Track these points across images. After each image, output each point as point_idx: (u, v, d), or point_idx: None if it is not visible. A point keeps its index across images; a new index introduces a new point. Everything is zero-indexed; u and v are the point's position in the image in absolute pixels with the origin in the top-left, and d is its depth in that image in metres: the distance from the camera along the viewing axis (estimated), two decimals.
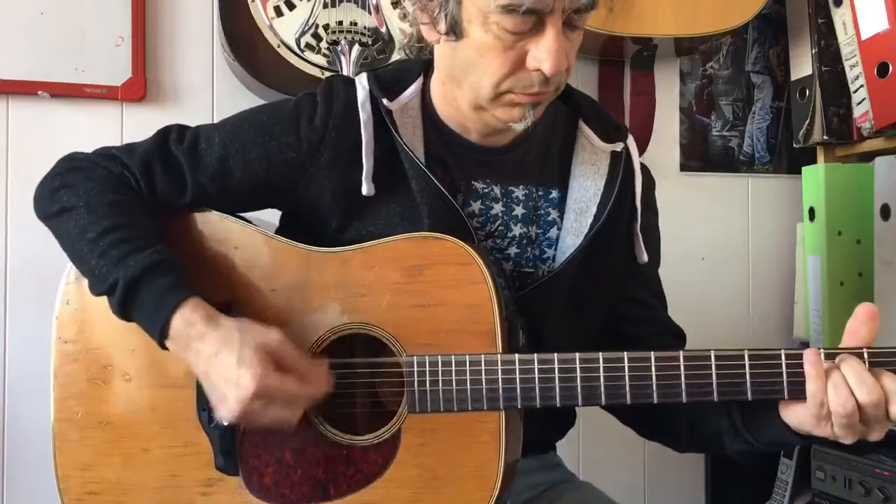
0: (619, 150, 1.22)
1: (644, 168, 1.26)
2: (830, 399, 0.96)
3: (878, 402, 0.95)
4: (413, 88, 1.18)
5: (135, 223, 1.09)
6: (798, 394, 0.99)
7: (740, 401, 1.03)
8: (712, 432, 1.14)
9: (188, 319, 1.02)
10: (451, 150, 1.18)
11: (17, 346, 1.72)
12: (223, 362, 1.00)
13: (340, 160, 1.14)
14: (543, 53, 1.02)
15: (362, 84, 1.15)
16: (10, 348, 1.72)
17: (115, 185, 1.12)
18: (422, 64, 1.20)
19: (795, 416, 1.02)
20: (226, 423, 1.07)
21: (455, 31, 1.06)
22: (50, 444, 1.14)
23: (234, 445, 1.10)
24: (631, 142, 1.24)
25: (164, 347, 1.05)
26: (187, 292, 1.04)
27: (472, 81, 1.08)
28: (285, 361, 1.01)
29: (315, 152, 1.14)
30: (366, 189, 1.13)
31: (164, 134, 1.17)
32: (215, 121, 1.22)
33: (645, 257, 1.23)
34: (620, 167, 1.20)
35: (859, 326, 1.00)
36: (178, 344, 1.04)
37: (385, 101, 1.14)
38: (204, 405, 1.10)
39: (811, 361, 0.98)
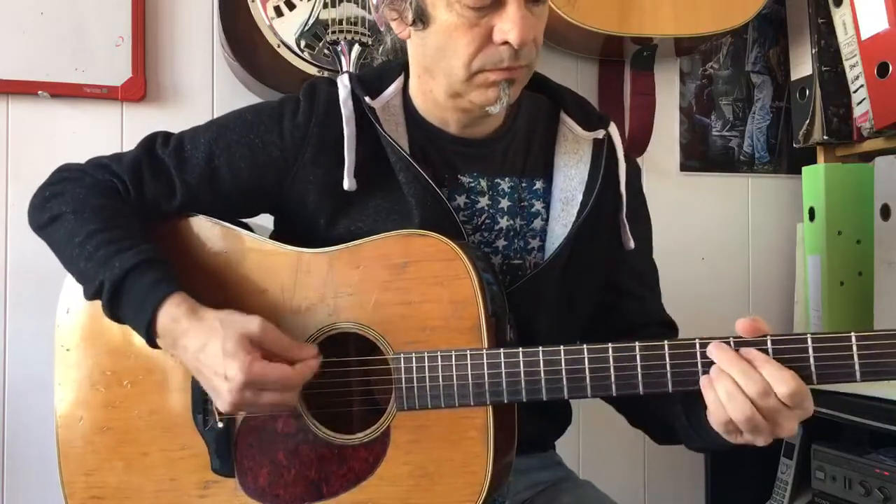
0: (600, 137, 1.22)
1: (628, 155, 1.26)
2: (729, 411, 0.95)
3: (764, 391, 0.93)
4: (394, 87, 1.19)
5: (120, 225, 1.10)
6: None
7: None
8: (676, 427, 1.14)
9: (172, 315, 1.03)
10: (435, 144, 1.19)
11: (17, 346, 1.73)
12: (209, 355, 1.00)
13: (324, 157, 1.15)
14: (508, 24, 1.04)
15: (344, 83, 1.17)
16: (10, 348, 1.73)
17: (101, 191, 1.13)
18: (402, 64, 1.22)
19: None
20: (225, 415, 1.07)
21: (422, 18, 1.08)
22: (51, 442, 1.15)
23: (229, 447, 1.11)
24: (613, 129, 1.24)
25: (154, 346, 1.06)
26: (170, 288, 1.04)
27: (444, 67, 1.10)
28: (270, 347, 1.02)
29: (298, 149, 1.15)
30: (347, 184, 1.14)
31: (150, 140, 1.18)
32: None
33: (632, 244, 1.23)
34: (603, 154, 1.21)
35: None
36: (166, 341, 1.05)
37: (367, 98, 1.15)
38: (199, 408, 1.11)
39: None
